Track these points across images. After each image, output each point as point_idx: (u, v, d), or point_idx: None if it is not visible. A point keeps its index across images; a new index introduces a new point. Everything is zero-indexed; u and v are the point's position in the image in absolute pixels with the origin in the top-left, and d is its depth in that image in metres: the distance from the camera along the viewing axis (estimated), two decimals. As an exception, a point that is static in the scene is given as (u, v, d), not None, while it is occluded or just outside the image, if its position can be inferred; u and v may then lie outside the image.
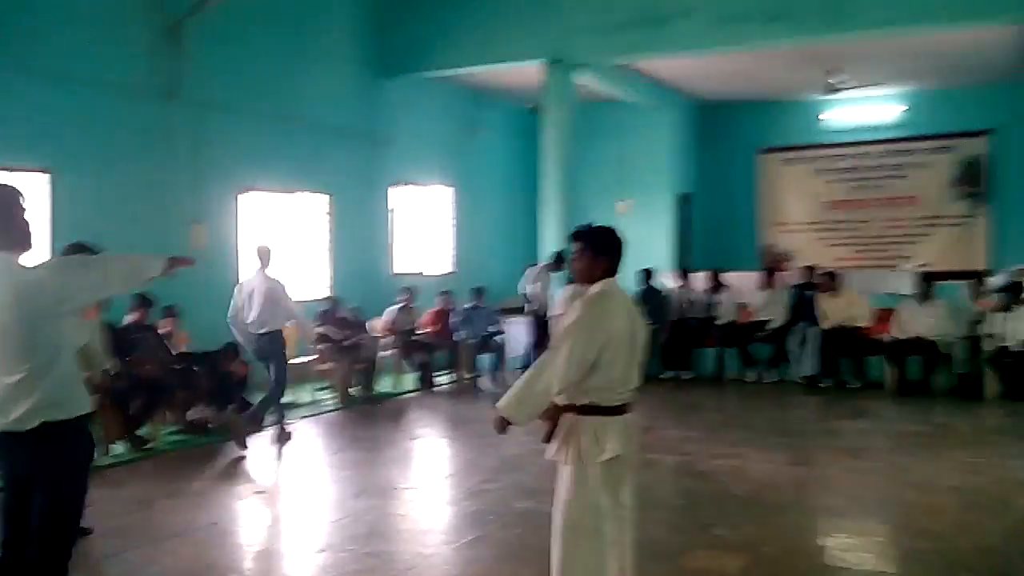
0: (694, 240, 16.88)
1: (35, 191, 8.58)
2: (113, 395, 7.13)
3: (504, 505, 6.03)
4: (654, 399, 9.67)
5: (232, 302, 8.32)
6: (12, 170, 8.52)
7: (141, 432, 7.63)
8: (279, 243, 11.38)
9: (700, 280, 12.11)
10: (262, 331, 8.13)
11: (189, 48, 9.98)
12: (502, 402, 3.81)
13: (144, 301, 8.04)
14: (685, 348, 11.57)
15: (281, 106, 11.27)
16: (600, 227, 3.86)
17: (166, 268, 3.43)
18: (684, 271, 12.35)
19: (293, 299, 8.56)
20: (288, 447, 8.06)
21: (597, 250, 3.76)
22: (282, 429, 8.19)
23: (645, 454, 4.02)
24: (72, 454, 3.19)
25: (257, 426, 8.33)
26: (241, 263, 10.87)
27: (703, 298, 11.87)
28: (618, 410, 3.72)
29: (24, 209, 3.24)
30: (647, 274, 11.71)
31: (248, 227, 11.00)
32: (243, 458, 7.61)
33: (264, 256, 8.26)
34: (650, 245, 15.37)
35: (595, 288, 3.75)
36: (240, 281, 8.72)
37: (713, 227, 17.16)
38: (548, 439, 3.79)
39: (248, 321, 8.15)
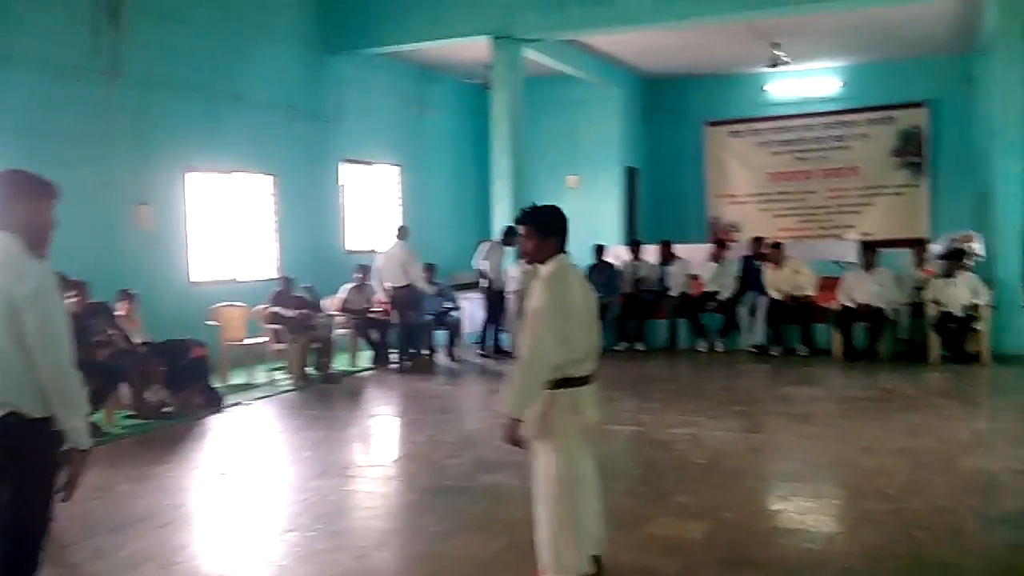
0: (642, 213, 17.04)
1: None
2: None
3: (468, 480, 6.06)
4: (609, 371, 9.64)
5: (374, 264, 11.16)
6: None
7: (95, 419, 7.49)
8: (223, 223, 11.27)
9: (651, 253, 12.22)
10: (396, 285, 10.87)
11: (130, 26, 9.76)
12: (507, 405, 3.73)
13: (76, 285, 7.81)
14: (638, 320, 11.69)
15: (225, 84, 11.07)
16: (544, 207, 3.91)
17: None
18: (635, 244, 12.43)
19: (420, 265, 11.15)
20: (247, 426, 8.05)
21: (544, 232, 3.82)
22: (402, 361, 10.94)
23: (602, 425, 4.14)
24: (39, 448, 3.11)
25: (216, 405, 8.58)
26: (190, 244, 10.68)
27: (654, 271, 11.99)
28: (586, 380, 3.83)
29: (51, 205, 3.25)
30: (599, 249, 11.79)
31: (194, 208, 10.81)
32: (200, 441, 7.57)
33: (402, 232, 11.22)
34: (599, 218, 15.52)
35: (549, 267, 3.81)
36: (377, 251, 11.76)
37: (661, 200, 17.35)
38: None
39: (385, 279, 10.94)
